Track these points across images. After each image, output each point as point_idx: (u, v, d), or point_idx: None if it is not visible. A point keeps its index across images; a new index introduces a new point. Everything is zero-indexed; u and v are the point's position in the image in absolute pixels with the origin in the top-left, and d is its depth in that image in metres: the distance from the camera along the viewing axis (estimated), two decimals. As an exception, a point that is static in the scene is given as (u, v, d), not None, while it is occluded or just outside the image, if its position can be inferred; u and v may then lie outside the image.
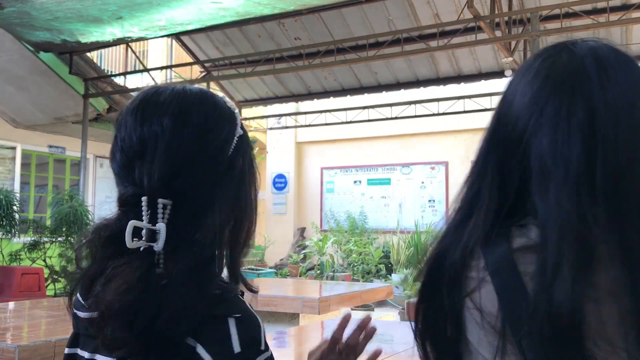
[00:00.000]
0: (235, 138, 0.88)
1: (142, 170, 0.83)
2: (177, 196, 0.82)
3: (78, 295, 0.87)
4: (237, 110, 0.92)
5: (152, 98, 0.88)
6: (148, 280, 0.76)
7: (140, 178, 0.83)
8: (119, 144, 0.86)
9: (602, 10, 6.28)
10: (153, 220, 0.80)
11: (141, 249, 0.79)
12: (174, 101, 0.87)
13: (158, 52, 11.98)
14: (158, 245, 0.79)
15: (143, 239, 0.79)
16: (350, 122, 9.93)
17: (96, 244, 0.82)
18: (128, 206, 0.83)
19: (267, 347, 0.81)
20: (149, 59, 11.57)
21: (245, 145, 0.90)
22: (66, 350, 0.92)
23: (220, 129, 0.87)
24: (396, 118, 9.51)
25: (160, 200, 0.81)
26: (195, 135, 0.84)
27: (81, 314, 0.85)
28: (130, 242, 0.78)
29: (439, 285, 0.79)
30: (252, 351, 0.79)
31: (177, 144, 0.83)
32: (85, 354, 0.87)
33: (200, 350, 0.76)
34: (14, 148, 8.97)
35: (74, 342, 0.91)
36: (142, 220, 0.80)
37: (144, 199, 0.81)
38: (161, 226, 0.79)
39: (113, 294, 0.75)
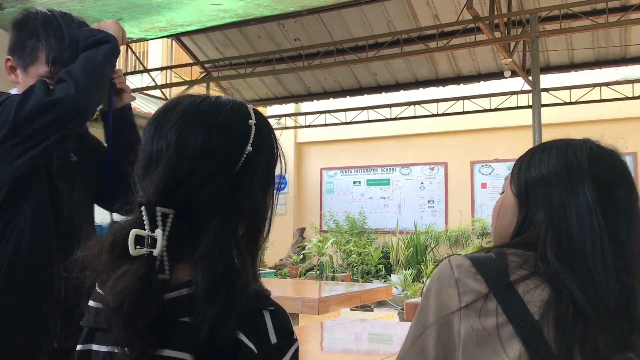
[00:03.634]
0: (244, 156, 0.90)
1: (147, 181, 0.87)
2: (180, 207, 0.86)
3: (97, 289, 0.91)
4: (252, 126, 0.92)
5: (165, 112, 0.92)
6: (147, 282, 0.81)
7: (145, 188, 0.87)
8: (139, 153, 0.92)
9: (601, 12, 6.29)
10: (154, 228, 0.84)
11: (145, 255, 0.83)
12: (182, 117, 0.90)
13: (158, 52, 11.99)
14: (156, 250, 0.83)
15: (145, 246, 0.84)
16: (350, 122, 9.94)
17: (112, 245, 0.87)
18: (136, 214, 0.87)
19: (296, 337, 0.87)
20: (149, 59, 11.58)
21: (255, 162, 0.92)
22: (79, 347, 0.93)
23: (225, 147, 0.89)
24: (396, 119, 9.51)
25: (158, 209, 0.85)
26: (197, 149, 0.87)
27: (101, 306, 0.89)
28: (133, 250, 0.83)
29: None
30: (286, 341, 0.85)
31: (177, 157, 0.87)
32: (104, 348, 0.89)
33: (243, 337, 0.81)
34: (14, 148, 8.96)
35: (88, 338, 0.92)
36: (145, 228, 0.85)
37: (142, 208, 0.85)
38: (158, 232, 0.83)
39: (111, 295, 0.81)
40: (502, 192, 1.12)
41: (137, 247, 0.83)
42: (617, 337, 0.87)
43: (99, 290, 0.90)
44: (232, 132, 0.91)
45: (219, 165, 0.88)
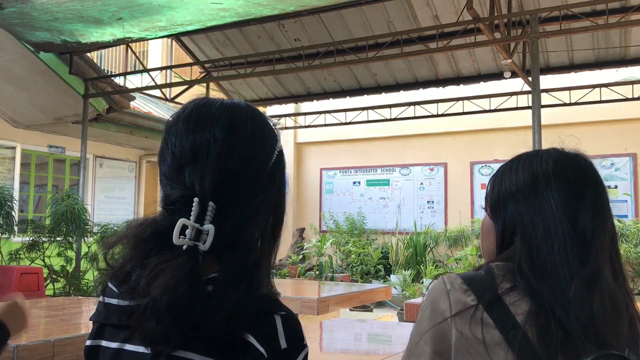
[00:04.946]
0: (276, 153, 0.94)
1: (193, 174, 0.87)
2: (223, 201, 0.86)
3: (110, 285, 0.90)
4: (278, 127, 0.97)
5: (204, 109, 0.92)
6: (195, 277, 0.80)
7: (190, 181, 0.87)
8: (169, 148, 0.91)
9: (601, 13, 6.29)
10: (199, 220, 0.84)
11: (184, 247, 0.82)
12: (225, 113, 0.91)
13: (158, 52, 11.99)
14: (204, 246, 0.82)
15: (187, 237, 0.82)
16: (350, 123, 9.94)
17: (139, 239, 0.86)
18: (175, 206, 0.87)
19: (306, 343, 0.87)
20: (149, 59, 11.58)
21: (283, 159, 0.96)
22: (88, 343, 0.93)
23: (265, 143, 0.93)
24: (395, 119, 9.52)
25: (210, 203, 0.84)
26: (243, 147, 0.89)
27: (114, 302, 0.88)
28: (177, 239, 0.82)
29: None
30: (296, 347, 0.85)
31: (227, 153, 0.87)
32: (113, 345, 0.89)
33: (253, 341, 0.81)
34: (13, 148, 8.98)
35: (98, 333, 0.92)
36: (189, 220, 0.84)
37: (195, 200, 0.84)
38: (210, 227, 0.83)
39: (162, 289, 0.78)
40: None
41: (180, 237, 0.82)
42: (596, 343, 0.91)
43: (111, 286, 0.89)
44: (268, 131, 0.94)
45: (262, 161, 0.91)
